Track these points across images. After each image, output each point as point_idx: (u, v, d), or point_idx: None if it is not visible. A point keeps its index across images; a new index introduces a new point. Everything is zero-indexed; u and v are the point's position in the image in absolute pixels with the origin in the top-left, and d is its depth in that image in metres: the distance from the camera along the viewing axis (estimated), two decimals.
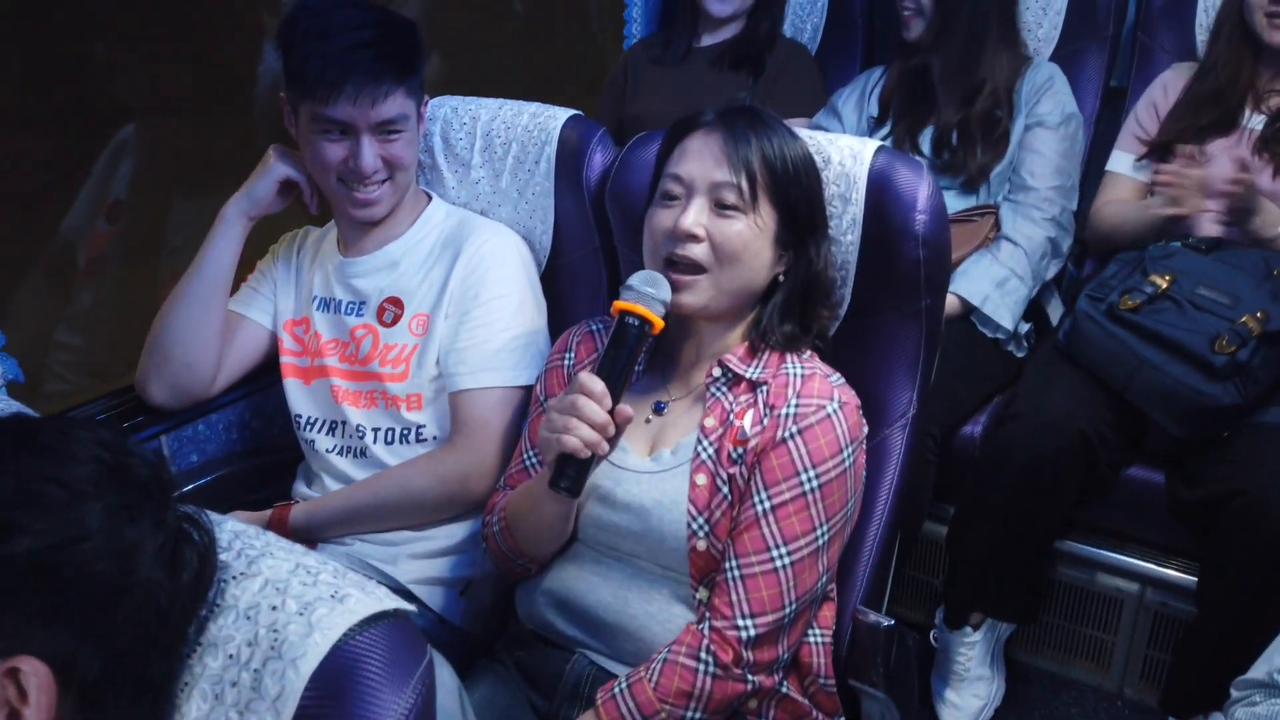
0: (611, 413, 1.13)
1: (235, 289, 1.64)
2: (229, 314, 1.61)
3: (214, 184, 1.64)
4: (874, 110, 2.18)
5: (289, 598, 0.70)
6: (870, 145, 1.36)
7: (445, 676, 0.83)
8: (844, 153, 1.36)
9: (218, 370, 1.59)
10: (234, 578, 0.72)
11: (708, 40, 2.39)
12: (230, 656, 0.69)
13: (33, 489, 0.68)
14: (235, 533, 0.75)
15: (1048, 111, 2.03)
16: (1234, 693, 1.15)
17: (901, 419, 1.38)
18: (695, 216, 1.20)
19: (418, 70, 1.49)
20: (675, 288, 1.20)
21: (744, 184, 1.20)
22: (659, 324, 1.17)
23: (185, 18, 1.98)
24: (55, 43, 1.80)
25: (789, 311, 1.26)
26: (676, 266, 1.21)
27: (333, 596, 0.69)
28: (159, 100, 1.96)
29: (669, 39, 2.43)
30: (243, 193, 1.56)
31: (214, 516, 0.77)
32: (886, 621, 1.29)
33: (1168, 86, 2.05)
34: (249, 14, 2.13)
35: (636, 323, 1.16)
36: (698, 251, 1.20)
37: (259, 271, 1.68)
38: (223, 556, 0.73)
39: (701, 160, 1.22)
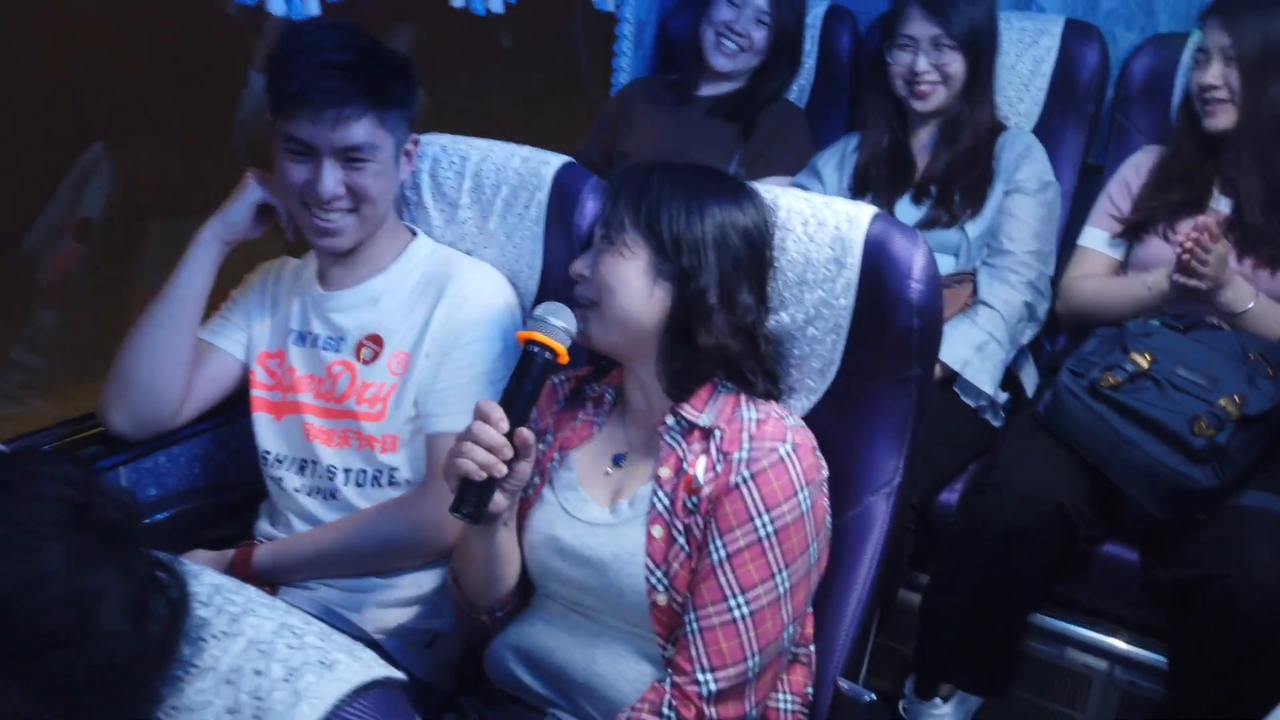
0: (510, 436, 1.13)
1: (209, 317, 1.59)
2: (199, 343, 1.56)
3: (194, 207, 1.59)
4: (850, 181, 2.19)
5: (274, 661, 0.65)
6: (866, 211, 1.36)
7: None
8: (840, 216, 1.35)
9: (184, 400, 1.53)
10: (214, 636, 0.67)
11: (708, 90, 2.40)
12: None
13: None
14: (215, 586, 0.70)
15: (1026, 178, 2.06)
16: None
17: (886, 486, 1.36)
18: (584, 260, 1.26)
19: (399, 102, 1.45)
20: (579, 322, 1.25)
21: (613, 217, 1.23)
22: (563, 352, 1.20)
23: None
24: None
25: (674, 346, 1.24)
26: (577, 304, 1.26)
27: (321, 662, 0.65)
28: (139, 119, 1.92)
29: (670, 82, 2.44)
30: (218, 216, 1.52)
31: (191, 568, 0.72)
32: (868, 695, 1.26)
33: (1140, 167, 2.09)
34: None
35: (538, 350, 1.20)
36: (587, 290, 1.25)
37: (232, 300, 1.63)
38: (202, 613, 0.68)
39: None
